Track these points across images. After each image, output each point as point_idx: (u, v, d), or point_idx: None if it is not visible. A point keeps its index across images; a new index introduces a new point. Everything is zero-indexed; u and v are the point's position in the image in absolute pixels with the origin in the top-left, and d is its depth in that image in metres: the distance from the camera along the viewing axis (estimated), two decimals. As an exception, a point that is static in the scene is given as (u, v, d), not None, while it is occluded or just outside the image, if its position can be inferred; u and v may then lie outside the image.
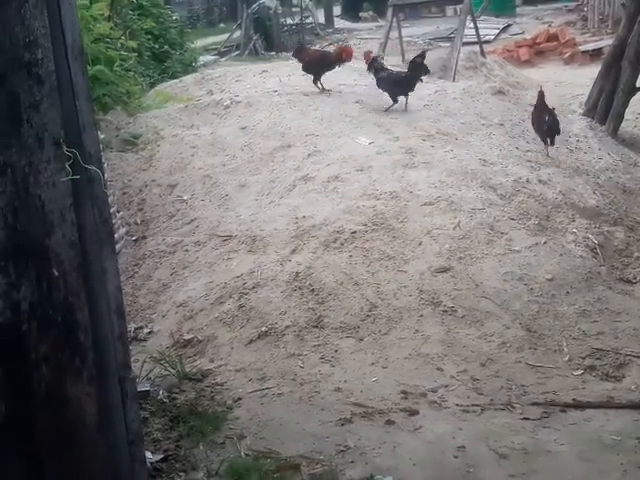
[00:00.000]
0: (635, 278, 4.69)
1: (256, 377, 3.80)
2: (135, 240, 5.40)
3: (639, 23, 7.44)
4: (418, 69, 7.24)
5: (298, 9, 27.53)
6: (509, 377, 3.74)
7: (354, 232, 4.79)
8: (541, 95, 6.71)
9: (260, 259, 4.72)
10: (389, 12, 12.41)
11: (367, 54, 7.72)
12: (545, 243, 4.73)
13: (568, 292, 4.40)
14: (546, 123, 6.53)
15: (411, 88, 7.04)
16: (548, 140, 6.45)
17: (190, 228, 5.31)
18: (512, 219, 4.94)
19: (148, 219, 5.62)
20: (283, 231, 4.94)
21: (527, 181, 5.44)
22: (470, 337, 4.04)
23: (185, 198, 5.73)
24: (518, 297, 4.31)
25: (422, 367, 3.83)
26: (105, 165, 5.64)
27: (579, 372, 3.77)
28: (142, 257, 5.12)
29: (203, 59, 16.76)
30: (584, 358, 3.87)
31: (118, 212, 5.51)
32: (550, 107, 6.60)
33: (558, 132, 6.48)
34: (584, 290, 4.44)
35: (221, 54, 23.00)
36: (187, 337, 4.21)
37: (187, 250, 5.04)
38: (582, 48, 14.98)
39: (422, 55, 7.51)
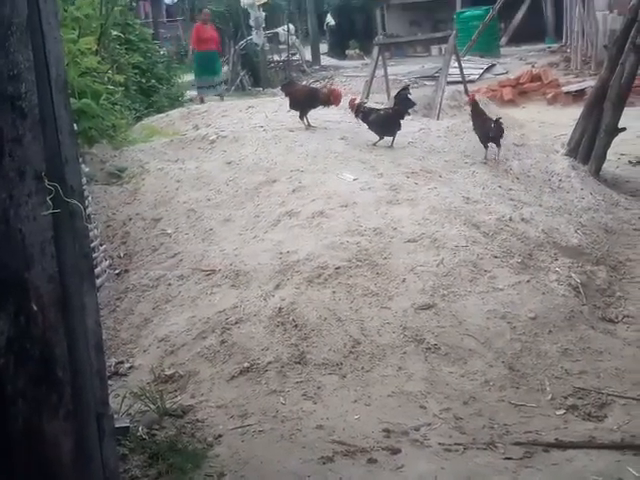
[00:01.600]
0: (617, 318, 4.70)
1: (237, 414, 3.75)
2: (118, 274, 5.36)
3: (621, 65, 7.57)
4: (404, 103, 7.35)
5: (285, 46, 27.78)
6: (492, 416, 3.72)
7: (338, 268, 4.78)
8: (475, 104, 7.51)
9: (243, 294, 4.69)
10: (375, 50, 12.54)
11: (351, 101, 7.83)
12: (528, 281, 4.74)
13: (551, 331, 4.40)
14: (492, 130, 7.12)
15: (400, 126, 7.20)
16: (489, 145, 7.08)
17: (173, 262, 5.28)
18: (495, 257, 4.95)
19: (131, 252, 5.59)
20: (267, 266, 4.93)
21: (510, 219, 5.47)
22: (453, 375, 4.02)
23: (169, 232, 5.71)
24: (501, 335, 4.30)
25: (405, 405, 3.80)
26: (89, 198, 5.63)
27: (561, 411, 3.75)
28: (124, 291, 5.08)
29: (190, 94, 16.84)
30: (566, 397, 3.85)
31: (101, 245, 5.48)
32: (493, 117, 7.39)
33: (499, 139, 7.15)
34: (566, 329, 4.44)
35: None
36: (168, 372, 4.16)
37: (170, 284, 5.01)
38: (565, 89, 15.19)
39: (406, 88, 7.64)
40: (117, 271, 5.39)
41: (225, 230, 5.61)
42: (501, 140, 7.21)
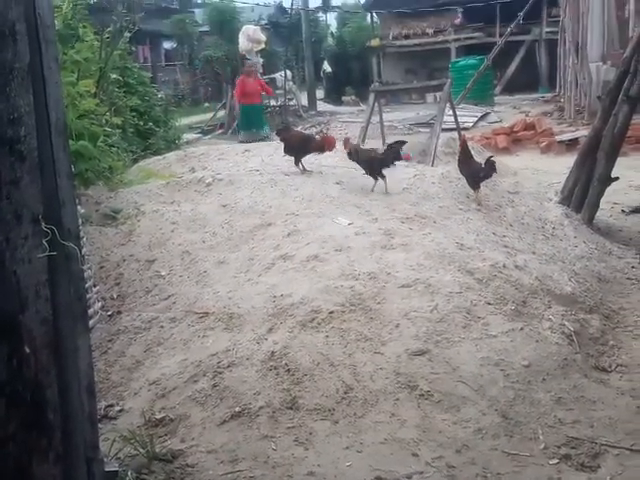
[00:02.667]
0: (610, 366, 4.69)
1: (228, 459, 3.71)
2: (110, 315, 5.33)
3: (614, 116, 7.67)
4: (391, 155, 7.50)
5: (282, 91, 28.06)
6: (485, 465, 3.68)
7: (331, 312, 4.77)
8: (464, 143, 7.67)
9: (236, 337, 4.67)
10: (371, 97, 12.72)
11: (346, 140, 7.95)
12: (522, 329, 4.73)
13: (544, 379, 4.38)
14: (482, 170, 7.27)
15: (381, 173, 7.30)
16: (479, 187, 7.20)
17: (167, 304, 5.27)
18: (489, 304, 4.95)
19: (124, 294, 5.57)
20: (260, 309, 4.91)
21: (504, 266, 5.48)
22: (446, 422, 3.99)
23: (163, 274, 5.71)
24: (494, 383, 4.28)
25: (397, 452, 3.76)
26: (84, 239, 5.62)
27: (555, 461, 3.72)
28: (116, 333, 5.05)
29: (187, 137, 16.99)
30: (560, 447, 3.82)
31: (94, 286, 5.46)
32: (486, 156, 7.75)
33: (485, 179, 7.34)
34: (560, 377, 4.42)
35: (205, 132, 23.35)
36: (159, 416, 4.12)
37: (162, 326, 4.99)
38: (558, 138, 15.34)
39: (400, 142, 7.75)
40: (109, 312, 5.36)
41: (219, 272, 5.61)
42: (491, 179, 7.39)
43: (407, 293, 5.00)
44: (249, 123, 16.16)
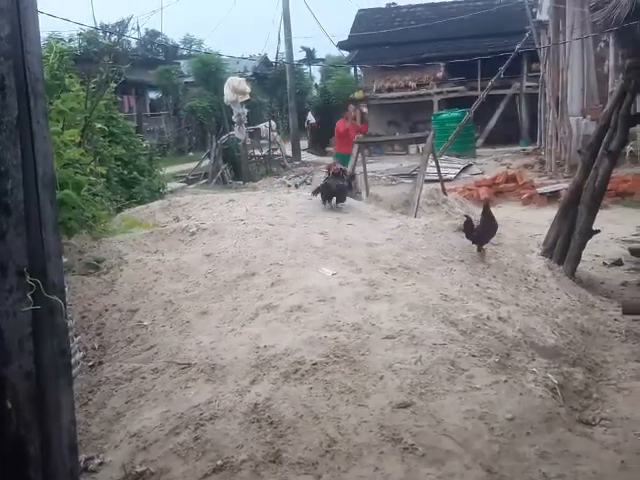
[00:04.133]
0: (594, 420, 4.67)
1: (209, 515, 3.63)
2: (91, 366, 5.26)
3: (595, 170, 7.79)
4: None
5: (267, 141, 28.28)
6: (470, 520, 3.63)
7: (315, 363, 4.74)
8: (487, 206, 7.98)
9: (219, 389, 4.62)
10: (354, 148, 12.84)
11: (333, 165, 9.07)
12: (505, 381, 4.72)
13: (528, 433, 4.35)
14: (475, 231, 7.56)
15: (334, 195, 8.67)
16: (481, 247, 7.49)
17: (149, 355, 5.21)
18: (473, 356, 4.94)
19: (106, 344, 5.51)
20: (243, 360, 4.87)
21: (487, 318, 5.49)
22: (430, 477, 3.94)
23: (145, 324, 5.66)
24: (479, 436, 4.24)
25: (381, 507, 3.71)
26: (66, 289, 5.57)
27: (541, 516, 3.67)
28: (97, 384, 4.98)
29: (171, 186, 17.04)
30: (545, 502, 3.78)
31: (76, 336, 5.40)
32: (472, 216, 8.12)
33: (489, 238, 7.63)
34: (544, 431, 4.39)
35: (189, 182, 23.46)
36: (139, 469, 4.04)
37: (144, 377, 4.93)
38: (540, 190, 15.54)
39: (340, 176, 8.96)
40: (91, 363, 5.30)
41: (202, 323, 5.57)
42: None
43: (391, 344, 4.99)
44: None
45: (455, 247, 7.49)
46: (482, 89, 30.39)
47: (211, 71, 37.39)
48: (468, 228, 7.56)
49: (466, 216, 7.97)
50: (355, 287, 5.86)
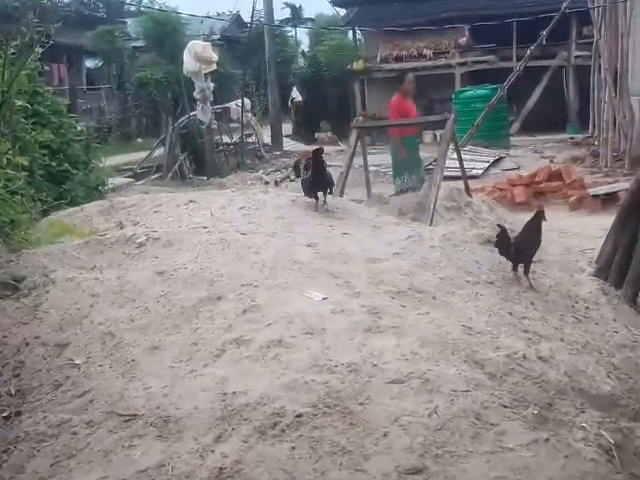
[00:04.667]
0: (661, 490, 4.69)
1: None
2: (6, 417, 5.24)
3: (664, 165, 7.83)
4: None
5: (238, 125, 28.26)
6: None
7: (299, 416, 4.74)
8: (541, 211, 7.89)
9: (173, 448, 4.61)
10: (353, 135, 12.84)
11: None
12: (547, 440, 4.72)
13: (577, 506, 4.36)
14: (513, 245, 7.52)
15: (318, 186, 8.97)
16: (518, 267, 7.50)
17: (82, 403, 5.19)
18: (504, 406, 4.95)
19: (26, 389, 5.49)
20: (206, 411, 4.86)
21: (523, 357, 5.50)
22: None
23: (78, 362, 5.64)
24: (512, 511, 4.25)
25: None
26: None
27: None
28: (14, 441, 4.96)
29: (113, 182, 17.04)
30: None
31: (-14, 378, 5.38)
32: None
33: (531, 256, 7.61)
34: (597, 504, 4.40)
35: (137, 176, 23.50)
36: None
37: (76, 433, 4.91)
38: (592, 191, 15.58)
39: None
40: (5, 414, 5.28)
41: (152, 361, 5.56)
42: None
43: (398, 391, 4.99)
44: (406, 164, 14.69)
45: (482, 265, 7.50)
46: (518, 60, 30.50)
47: (167, 33, 37.42)
48: (503, 241, 7.58)
49: (500, 225, 7.99)
50: (352, 316, 5.87)
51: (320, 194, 8.96)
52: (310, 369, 5.18)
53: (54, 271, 6.85)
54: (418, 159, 15.10)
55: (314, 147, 10.29)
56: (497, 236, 7.69)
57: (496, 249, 7.67)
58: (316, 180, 9.05)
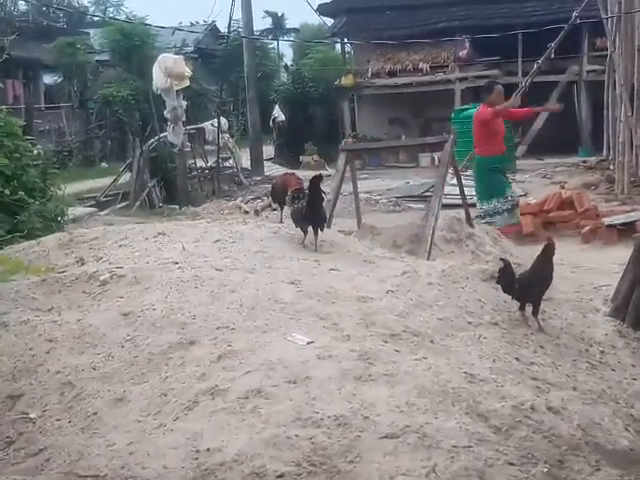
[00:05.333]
0: None
1: None
2: (-49, 478, 5.20)
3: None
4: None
5: (213, 147, 28.31)
6: None
7: (281, 476, 4.71)
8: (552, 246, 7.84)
9: (139, 513, 4.58)
10: (341, 158, 12.85)
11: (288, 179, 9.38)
12: (558, 501, 4.72)
13: None
14: (519, 281, 7.52)
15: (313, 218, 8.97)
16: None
17: (37, 462, 5.16)
18: (511, 464, 4.93)
19: (-26, 446, 5.46)
20: (176, 471, 4.83)
21: (532, 408, 5.49)
22: None
23: (33, 416, 5.61)
24: None
25: None
26: None
27: None
28: (-40, 506, 4.92)
29: (74, 212, 16.99)
30: None
31: None
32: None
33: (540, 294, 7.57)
34: None
35: (101, 205, 23.48)
36: None
37: (29, 497, 4.88)
38: (607, 221, 15.59)
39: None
40: (-50, 474, 5.24)
41: (116, 415, 5.53)
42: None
43: (392, 447, 4.97)
44: (495, 187, 14.64)
45: (485, 304, 7.51)
46: (524, 75, 30.67)
47: (134, 45, 37.60)
48: (506, 277, 7.58)
49: (503, 259, 8.00)
50: (340, 362, 5.85)
51: (311, 229, 8.93)
52: (293, 423, 5.16)
53: (6, 313, 6.83)
54: (507, 180, 15.24)
55: (291, 173, 10.52)
56: (499, 271, 7.68)
57: (499, 285, 7.67)
58: (312, 212, 9.01)
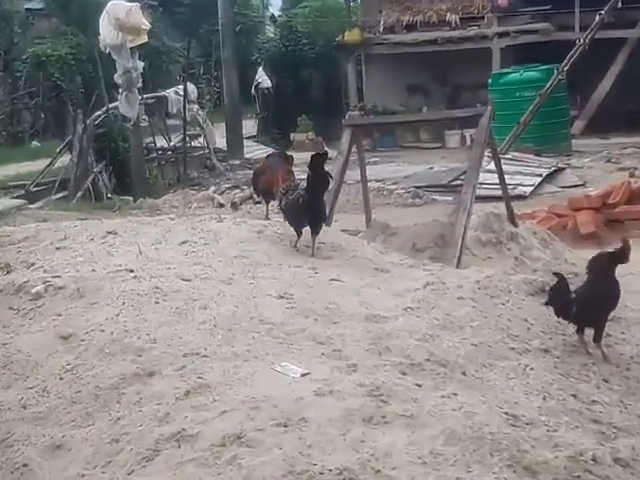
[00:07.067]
0: None
1: None
2: None
3: None
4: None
5: (178, 122, 28.26)
6: None
7: None
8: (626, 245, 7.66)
9: None
10: (345, 136, 12.83)
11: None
12: None
13: None
14: (576, 302, 7.42)
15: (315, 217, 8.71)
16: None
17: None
18: (567, 532, 4.95)
19: None
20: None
21: (594, 460, 5.50)
22: None
23: (-57, 469, 5.62)
24: None
25: None
26: None
27: None
28: None
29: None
30: None
31: None
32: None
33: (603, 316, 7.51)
34: None
35: (32, 196, 23.43)
36: None
37: None
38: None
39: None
40: None
41: (53, 467, 5.54)
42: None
43: (413, 511, 4.99)
44: None
45: (533, 325, 7.51)
46: (583, 30, 30.66)
47: (76, -10, 37.57)
48: (560, 296, 7.53)
49: (556, 273, 7.95)
50: (345, 400, 5.85)
51: (307, 229, 8.87)
52: (284, 478, 5.16)
53: None
54: None
55: (280, 153, 10.40)
56: (551, 289, 7.64)
57: (550, 303, 7.65)
58: (312, 204, 8.88)
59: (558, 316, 7.51)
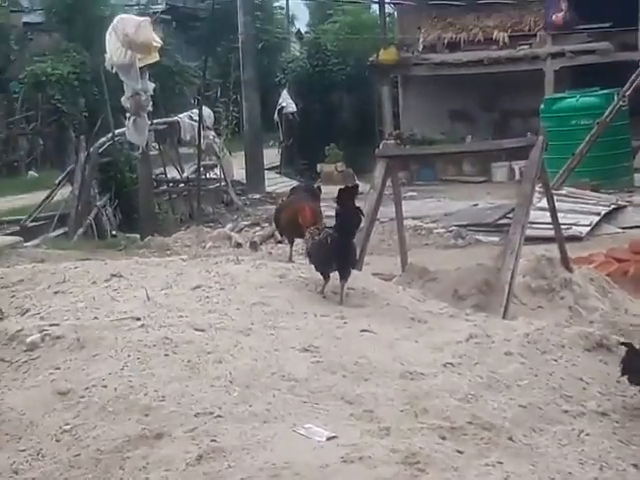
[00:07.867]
0: None
1: None
2: None
3: None
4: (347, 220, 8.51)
5: (192, 150, 28.34)
6: None
7: None
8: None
9: None
10: (379, 168, 12.85)
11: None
12: None
13: None
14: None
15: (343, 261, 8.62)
16: None
17: None
18: None
19: None
20: None
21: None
22: None
23: None
24: None
25: None
26: None
27: None
28: None
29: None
30: None
31: None
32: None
33: None
34: None
35: (28, 233, 23.49)
36: None
37: None
38: None
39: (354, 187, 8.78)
40: None
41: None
42: None
43: None
44: None
45: (589, 384, 7.48)
46: (647, 49, 30.66)
47: (79, 2, 37.77)
48: (632, 365, 7.44)
49: (625, 344, 7.88)
50: (376, 467, 5.83)
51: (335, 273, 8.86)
52: None
53: None
54: None
55: (307, 186, 10.40)
56: (624, 360, 7.56)
57: (611, 358, 7.61)
58: (341, 244, 8.84)
59: (631, 383, 7.44)
